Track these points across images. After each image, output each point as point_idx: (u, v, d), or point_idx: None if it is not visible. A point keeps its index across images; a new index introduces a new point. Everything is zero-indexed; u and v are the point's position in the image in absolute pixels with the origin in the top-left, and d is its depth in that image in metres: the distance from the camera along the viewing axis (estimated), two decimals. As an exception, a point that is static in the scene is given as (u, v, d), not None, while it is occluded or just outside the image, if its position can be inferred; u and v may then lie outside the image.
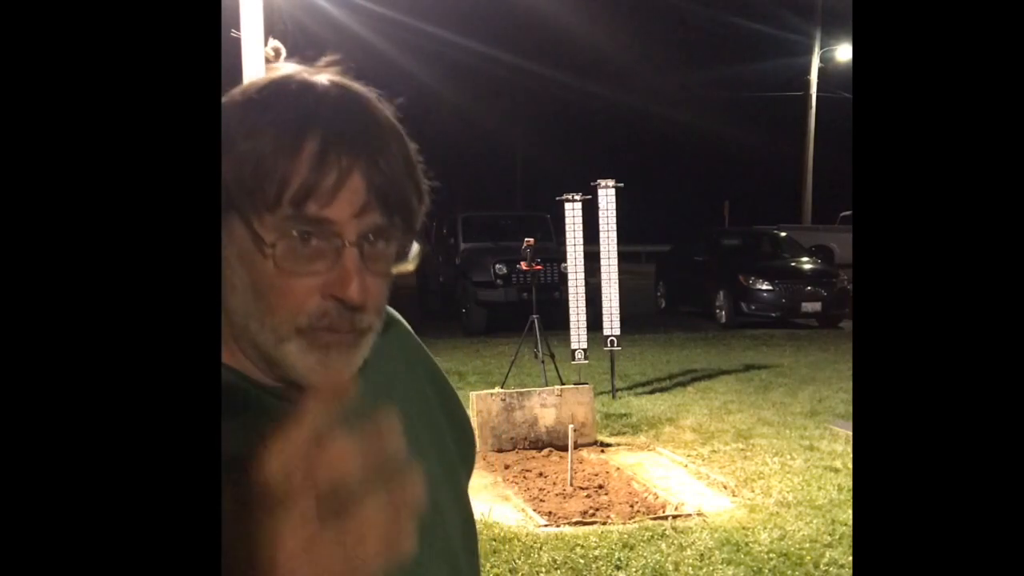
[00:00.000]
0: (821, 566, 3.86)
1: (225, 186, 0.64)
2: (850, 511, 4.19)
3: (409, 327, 0.89)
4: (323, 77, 0.68)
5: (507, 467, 5.49)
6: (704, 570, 3.85)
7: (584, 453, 5.74)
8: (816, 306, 12.86)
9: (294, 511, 0.46)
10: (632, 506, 4.72)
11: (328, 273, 0.66)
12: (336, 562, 0.47)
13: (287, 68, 0.70)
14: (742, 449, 5.88)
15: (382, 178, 0.66)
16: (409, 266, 0.72)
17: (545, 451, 5.80)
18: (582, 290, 7.52)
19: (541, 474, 5.32)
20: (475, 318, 12.07)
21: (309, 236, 0.65)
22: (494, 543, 4.11)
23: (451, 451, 0.86)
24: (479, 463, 5.53)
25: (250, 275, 0.66)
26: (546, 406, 5.95)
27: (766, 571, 3.84)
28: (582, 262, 7.56)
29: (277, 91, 0.67)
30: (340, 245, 0.65)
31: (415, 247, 0.72)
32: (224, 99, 0.68)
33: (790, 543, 4.11)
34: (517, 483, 5.18)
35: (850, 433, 5.69)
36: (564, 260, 7.82)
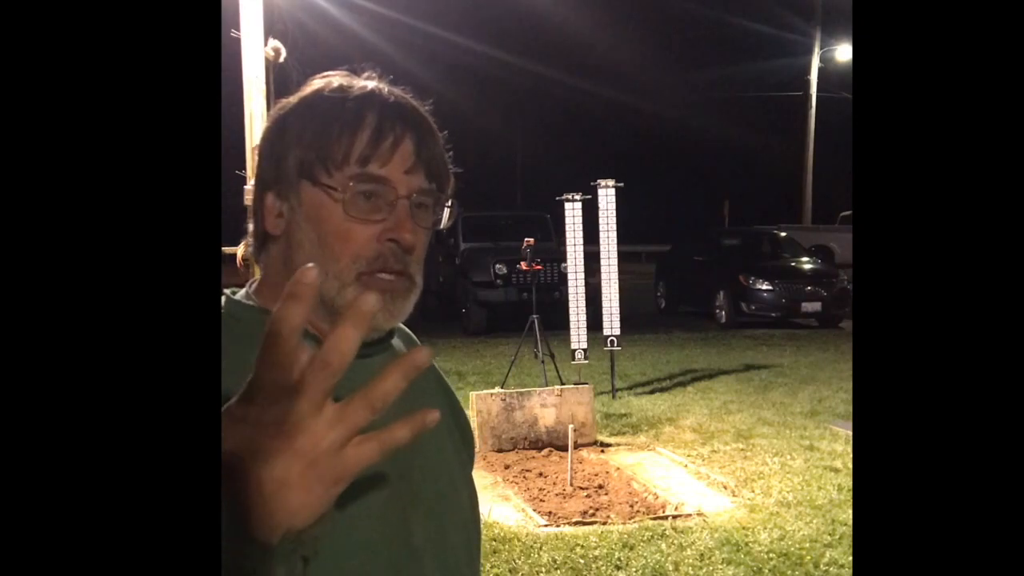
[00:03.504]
0: (821, 566, 3.86)
1: (297, 162, 0.82)
2: (850, 511, 4.19)
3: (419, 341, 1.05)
4: (369, 80, 0.86)
5: (507, 467, 5.48)
6: (704, 570, 3.85)
7: (584, 453, 5.73)
8: (816, 306, 12.85)
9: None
10: (632, 506, 4.72)
11: (385, 221, 0.82)
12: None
13: (340, 75, 0.87)
14: (742, 449, 5.88)
15: (426, 149, 0.84)
16: (446, 224, 0.90)
17: (545, 451, 5.80)
18: (582, 290, 7.52)
19: (541, 474, 5.31)
20: (475, 318, 12.07)
21: (371, 195, 0.82)
22: (494, 543, 4.11)
23: (460, 445, 1.00)
24: (479, 463, 5.53)
25: (317, 229, 0.82)
26: (546, 406, 5.95)
27: (766, 571, 3.83)
28: (582, 262, 7.55)
29: (340, 87, 0.85)
30: (394, 198, 0.82)
31: (447, 212, 0.89)
32: (293, 99, 0.86)
33: (790, 543, 4.11)
34: (517, 483, 5.17)
35: (850, 433, 5.69)
36: (564, 260, 7.82)
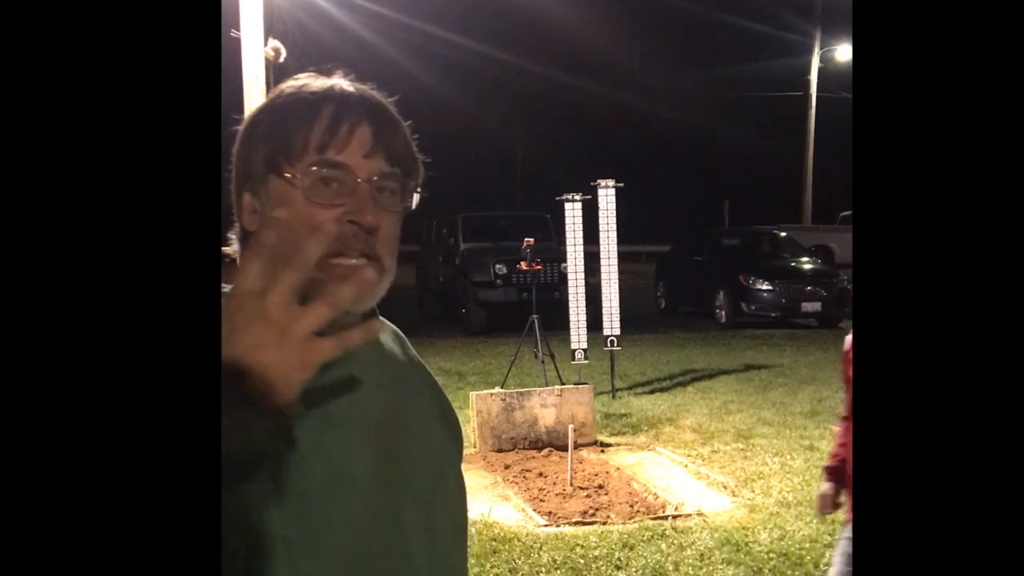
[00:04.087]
0: (821, 566, 3.86)
1: (263, 159, 0.86)
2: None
3: (406, 339, 1.06)
4: (334, 78, 0.90)
5: (507, 467, 5.48)
6: (704, 570, 3.85)
7: (584, 453, 5.73)
8: (816, 306, 12.85)
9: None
10: (632, 506, 4.72)
11: (346, 205, 0.84)
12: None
13: (307, 76, 0.91)
14: (742, 449, 5.88)
15: (385, 133, 0.87)
16: (411, 206, 0.92)
17: (545, 451, 5.80)
18: (582, 290, 7.52)
19: (541, 474, 5.31)
20: (475, 318, 12.06)
21: (330, 181, 0.84)
22: (494, 543, 4.10)
23: (444, 428, 1.03)
24: (479, 463, 5.53)
25: (283, 218, 0.85)
26: (546, 406, 5.95)
27: (766, 571, 3.84)
28: (582, 262, 7.56)
29: (304, 86, 0.89)
30: (354, 183, 0.85)
31: (416, 196, 0.91)
32: (264, 102, 0.91)
33: (790, 543, 4.11)
34: (517, 483, 5.17)
35: (850, 433, 5.68)
36: (564, 260, 7.82)
